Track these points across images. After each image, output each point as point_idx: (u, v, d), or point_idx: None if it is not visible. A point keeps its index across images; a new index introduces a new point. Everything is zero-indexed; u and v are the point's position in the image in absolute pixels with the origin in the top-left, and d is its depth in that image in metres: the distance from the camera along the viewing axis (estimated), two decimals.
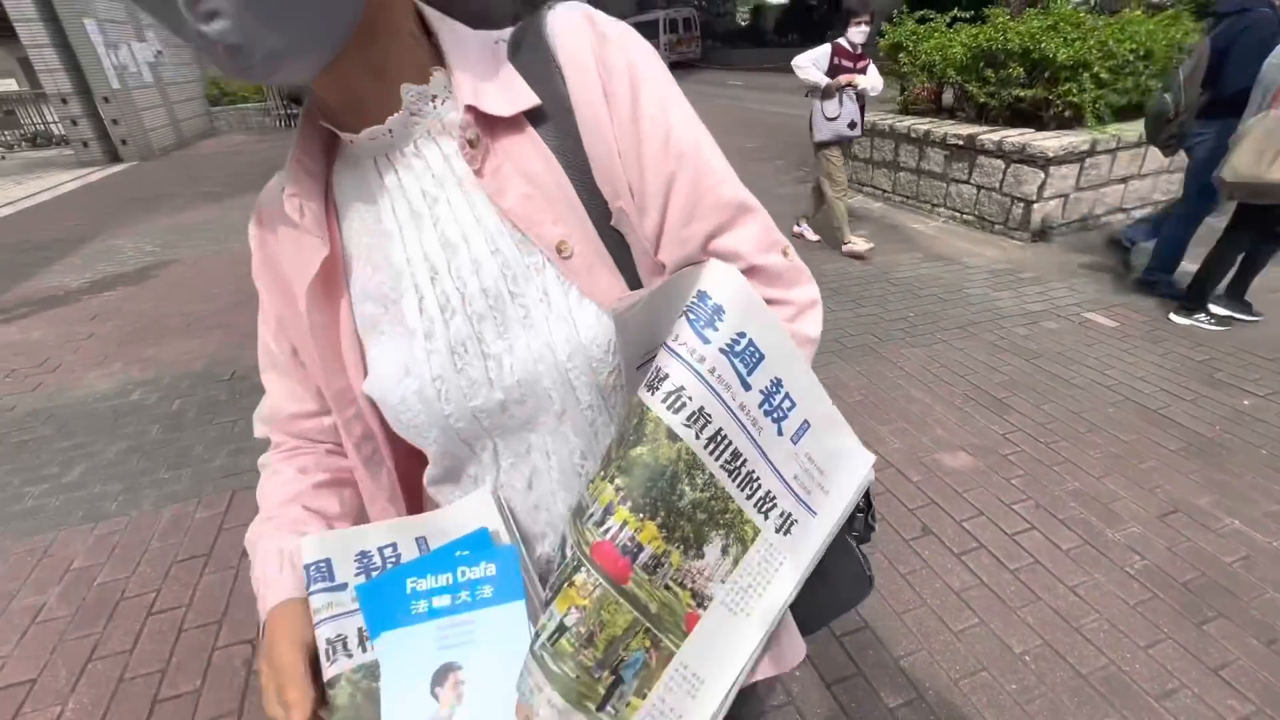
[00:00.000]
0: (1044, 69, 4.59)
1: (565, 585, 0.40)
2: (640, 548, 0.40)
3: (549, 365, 0.48)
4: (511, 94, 0.46)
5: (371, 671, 0.47)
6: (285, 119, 13.05)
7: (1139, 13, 4.85)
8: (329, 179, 0.54)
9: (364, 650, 0.48)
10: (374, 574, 0.51)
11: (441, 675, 0.44)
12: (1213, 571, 1.82)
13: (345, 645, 0.48)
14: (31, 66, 9.23)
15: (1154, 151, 4.64)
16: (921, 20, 5.74)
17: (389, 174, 0.50)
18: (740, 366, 0.42)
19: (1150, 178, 4.79)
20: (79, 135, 9.49)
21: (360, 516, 0.62)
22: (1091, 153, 4.40)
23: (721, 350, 0.41)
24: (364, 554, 0.51)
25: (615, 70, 0.46)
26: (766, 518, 0.45)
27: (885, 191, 5.73)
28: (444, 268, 0.49)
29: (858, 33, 3.93)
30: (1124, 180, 4.69)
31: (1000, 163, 4.60)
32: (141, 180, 8.41)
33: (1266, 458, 2.26)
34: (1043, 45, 4.50)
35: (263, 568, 0.56)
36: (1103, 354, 3.02)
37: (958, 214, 5.06)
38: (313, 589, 0.50)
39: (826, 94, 3.96)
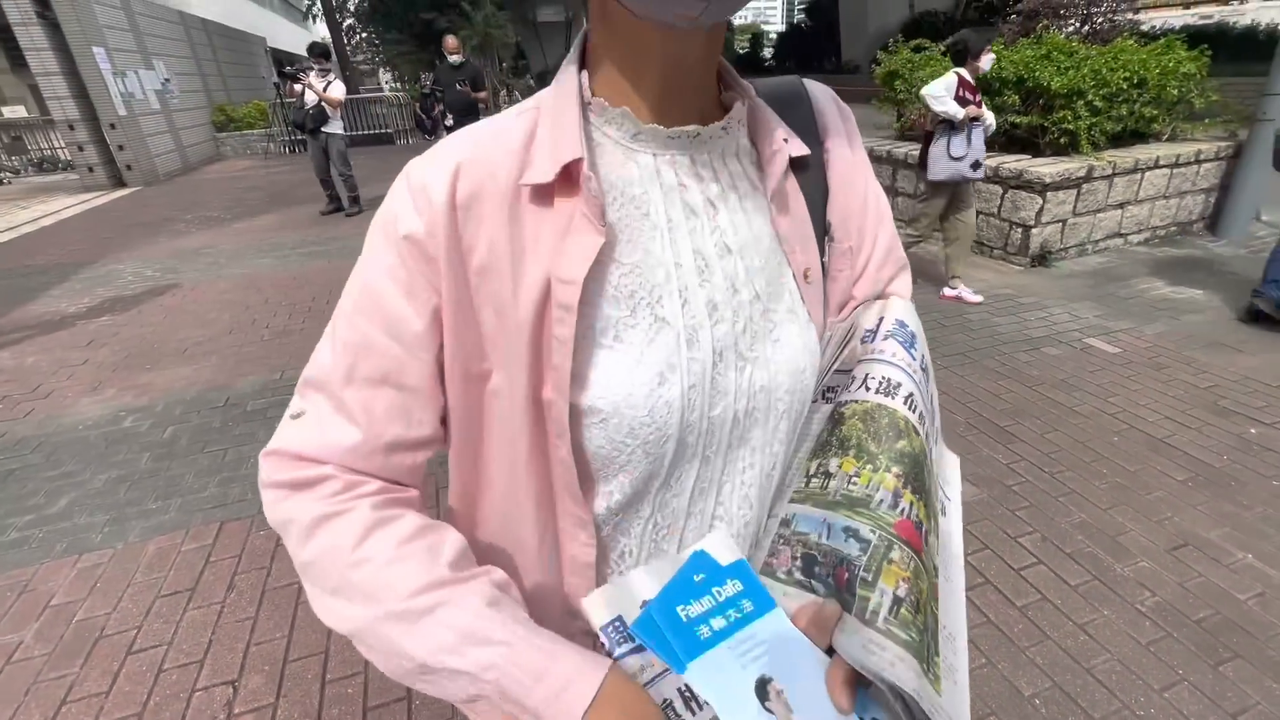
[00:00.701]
0: (1039, 96, 4.64)
1: (885, 564, 0.44)
2: (922, 523, 0.47)
3: (788, 377, 0.52)
4: (795, 141, 0.53)
5: None
6: (290, 145, 13.21)
7: (1131, 42, 4.91)
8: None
9: (692, 712, 0.43)
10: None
11: (762, 690, 0.42)
12: (1227, 609, 1.76)
13: (675, 710, 0.43)
14: (40, 94, 9.38)
15: (1150, 176, 4.68)
16: (917, 49, 5.83)
17: (667, 172, 0.50)
18: (929, 379, 0.55)
19: (1147, 203, 4.80)
20: (85, 160, 9.59)
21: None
22: (1088, 178, 4.42)
23: (922, 368, 0.54)
24: (645, 603, 0.47)
25: (855, 141, 0.59)
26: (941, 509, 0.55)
27: None
28: (718, 270, 0.50)
29: (989, 60, 3.63)
30: (1121, 205, 4.71)
31: (998, 188, 4.63)
32: (145, 205, 8.47)
33: (1277, 489, 2.22)
34: (1037, 74, 4.56)
35: (529, 646, 0.43)
36: (1105, 380, 2.99)
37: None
38: (618, 653, 0.44)
39: (956, 128, 3.52)
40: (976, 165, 3.58)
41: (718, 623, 0.43)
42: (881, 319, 0.55)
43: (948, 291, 4.05)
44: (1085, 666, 1.62)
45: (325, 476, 0.47)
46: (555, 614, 0.54)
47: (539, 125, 0.48)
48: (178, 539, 2.20)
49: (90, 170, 9.66)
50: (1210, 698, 1.52)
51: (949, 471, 0.57)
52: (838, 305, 0.58)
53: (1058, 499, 2.22)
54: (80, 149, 9.49)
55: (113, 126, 9.52)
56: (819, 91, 0.59)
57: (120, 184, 9.87)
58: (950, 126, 3.52)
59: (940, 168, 3.61)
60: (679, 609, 0.44)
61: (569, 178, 0.45)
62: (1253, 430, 2.55)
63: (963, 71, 3.55)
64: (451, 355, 0.48)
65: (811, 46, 29.68)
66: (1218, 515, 2.11)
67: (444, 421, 0.52)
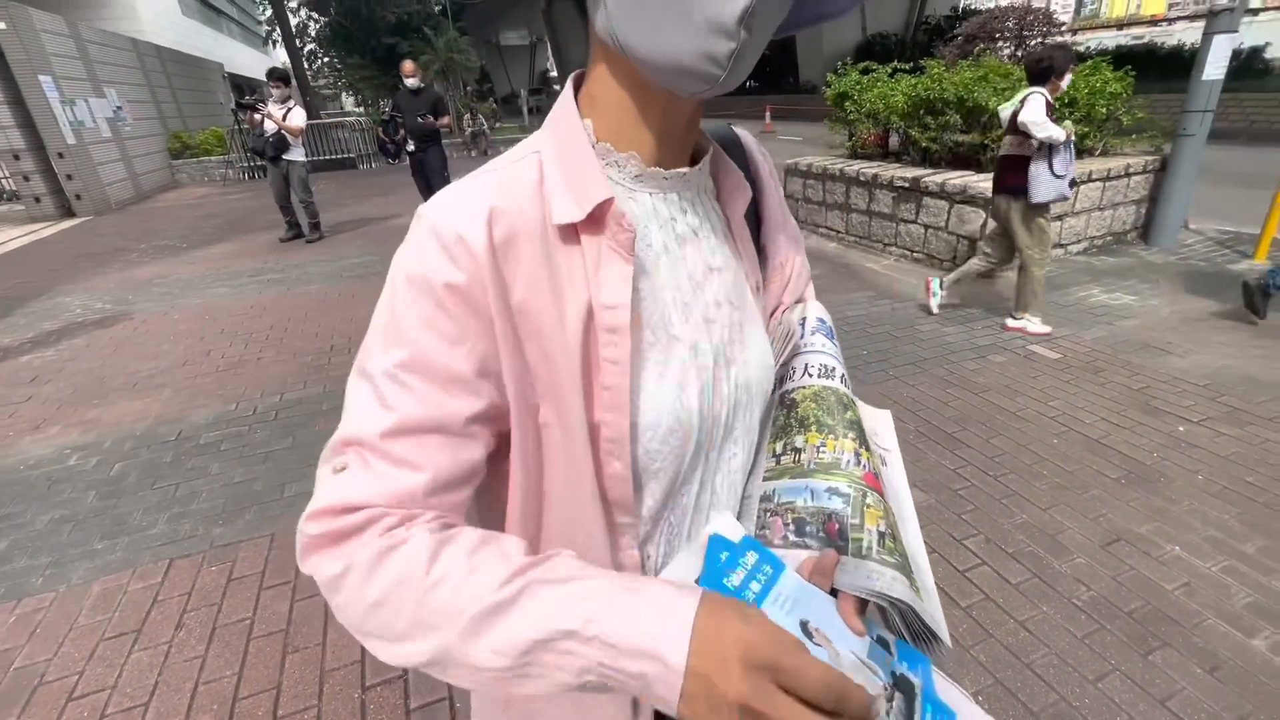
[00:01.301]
0: (979, 116, 4.87)
1: (864, 509, 0.53)
2: (878, 472, 0.58)
3: (760, 372, 0.61)
4: (742, 179, 0.62)
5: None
6: (249, 170, 13.02)
7: None
8: None
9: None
10: None
11: (805, 630, 0.47)
12: (1156, 600, 1.85)
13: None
14: None
15: (1085, 189, 4.92)
16: (865, 71, 6.07)
17: (662, 208, 0.57)
18: (842, 357, 0.68)
19: (1084, 214, 5.05)
20: (31, 191, 9.30)
21: None
22: None
23: (837, 350, 0.67)
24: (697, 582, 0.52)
25: (776, 179, 0.71)
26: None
27: (839, 232, 5.93)
28: (707, 288, 0.58)
29: (1068, 80, 3.50)
30: (1060, 217, 4.93)
31: (944, 203, 4.82)
32: (95, 235, 8.24)
33: (1202, 483, 2.34)
34: (975, 94, 4.79)
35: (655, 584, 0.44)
36: (1047, 385, 3.12)
37: (908, 252, 5.25)
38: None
39: (1055, 147, 3.37)
40: (1073, 182, 3.48)
41: (754, 586, 0.49)
42: (805, 318, 0.68)
43: (1011, 323, 3.82)
44: (1025, 662, 1.68)
45: (378, 515, 0.46)
46: None
47: (545, 168, 0.52)
48: (124, 579, 2.14)
49: (37, 200, 9.37)
50: (1140, 685, 1.60)
51: (881, 427, 0.67)
52: (769, 310, 0.69)
53: (1001, 501, 2.31)
54: (26, 179, 9.21)
55: (61, 155, 9.27)
56: (747, 138, 0.70)
57: (69, 214, 9.59)
58: (1049, 146, 3.37)
59: (1047, 189, 3.41)
60: (724, 580, 0.49)
61: (594, 216, 0.50)
62: (1181, 428, 2.70)
63: (1044, 91, 3.39)
64: (515, 393, 0.50)
65: (771, 68, 30.55)
66: (1149, 510, 2.22)
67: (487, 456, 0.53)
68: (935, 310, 4.07)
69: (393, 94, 6.45)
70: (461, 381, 0.48)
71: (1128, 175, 5.10)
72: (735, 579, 0.49)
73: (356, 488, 0.47)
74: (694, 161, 0.60)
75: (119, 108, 11.06)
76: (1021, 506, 2.27)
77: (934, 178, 4.83)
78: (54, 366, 4.00)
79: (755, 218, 0.68)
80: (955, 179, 4.72)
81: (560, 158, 0.52)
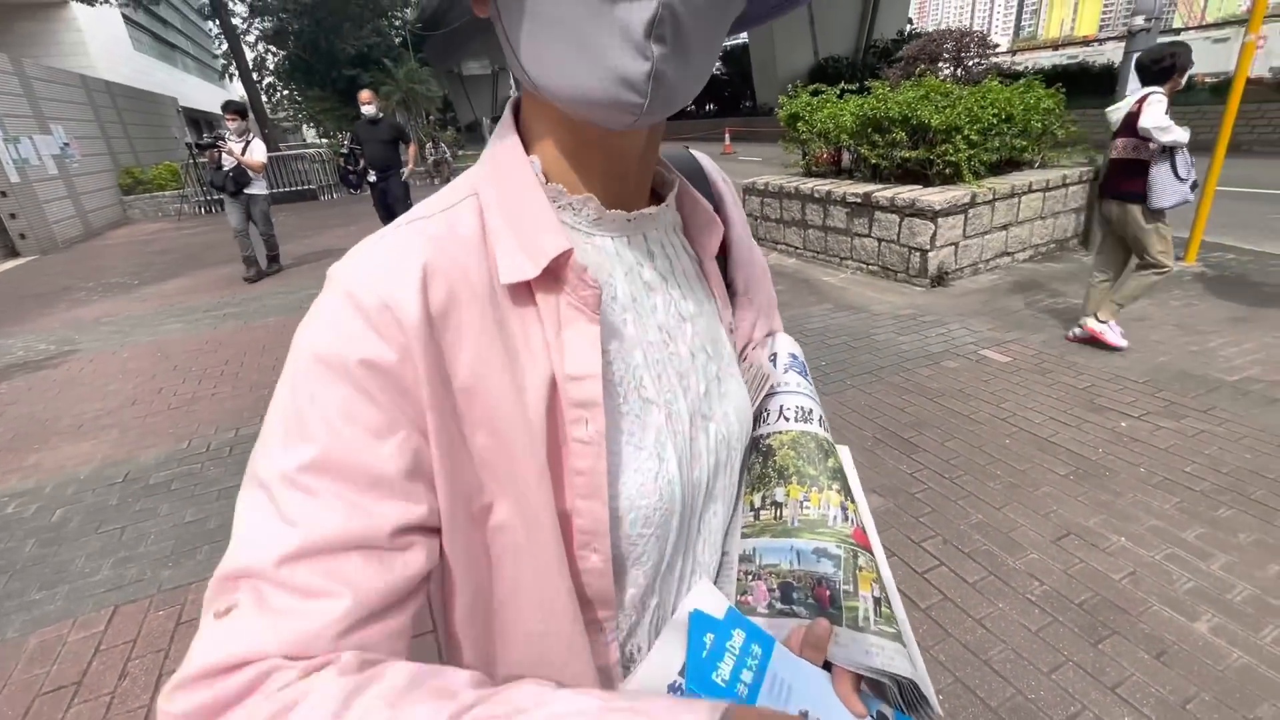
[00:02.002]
0: (923, 133, 5.07)
1: (856, 573, 0.49)
2: (864, 526, 0.53)
3: (739, 424, 0.55)
4: (715, 214, 0.58)
5: None
6: (205, 205, 12.77)
7: (996, 83, 5.46)
8: None
9: None
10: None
11: None
12: (1105, 590, 1.91)
13: None
14: None
15: (1027, 200, 5.15)
16: (814, 93, 6.28)
17: (626, 253, 0.50)
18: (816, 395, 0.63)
19: (1027, 224, 5.27)
20: None
21: None
22: (973, 204, 4.83)
23: (813, 388, 0.62)
24: (676, 684, 0.46)
25: (739, 205, 0.66)
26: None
27: (797, 248, 6.07)
28: (680, 340, 0.52)
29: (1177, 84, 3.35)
30: (1005, 227, 5.14)
31: (895, 217, 4.98)
32: (41, 274, 7.96)
33: (1144, 475, 2.44)
34: (919, 112, 4.99)
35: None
36: (998, 388, 3.22)
37: (864, 265, 5.40)
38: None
39: (1176, 151, 3.24)
40: (1194, 185, 3.31)
41: (746, 675, 0.44)
42: (775, 354, 0.63)
43: (1093, 326, 3.55)
44: (983, 659, 1.71)
45: (269, 671, 0.34)
46: None
47: (486, 214, 0.44)
48: (63, 629, 2.04)
49: None
50: (1092, 674, 1.64)
51: (845, 464, 0.65)
52: (741, 347, 0.63)
53: (957, 502, 2.36)
54: None
55: (4, 194, 8.97)
56: (708, 163, 0.64)
57: (13, 254, 9.26)
58: (1171, 149, 3.22)
59: (1170, 193, 3.22)
60: (713, 676, 0.43)
61: (550, 270, 0.42)
62: (1123, 424, 2.80)
63: (1163, 91, 3.24)
64: (450, 499, 0.41)
65: (730, 91, 31.36)
66: (1095, 504, 2.29)
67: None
68: (1126, 343, 3.54)
69: (353, 125, 6.35)
70: (389, 483, 0.38)
71: (1065, 185, 5.35)
72: (724, 670, 0.44)
73: (243, 637, 0.35)
74: (659, 197, 0.55)
75: (66, 144, 10.78)
76: (977, 506, 2.33)
77: (884, 193, 5.00)
78: None
79: (722, 249, 0.62)
80: (905, 193, 4.88)
81: (504, 202, 0.44)
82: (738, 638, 0.45)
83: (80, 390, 4.07)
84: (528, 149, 0.47)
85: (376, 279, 0.39)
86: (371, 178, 6.45)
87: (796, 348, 0.64)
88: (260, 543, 0.37)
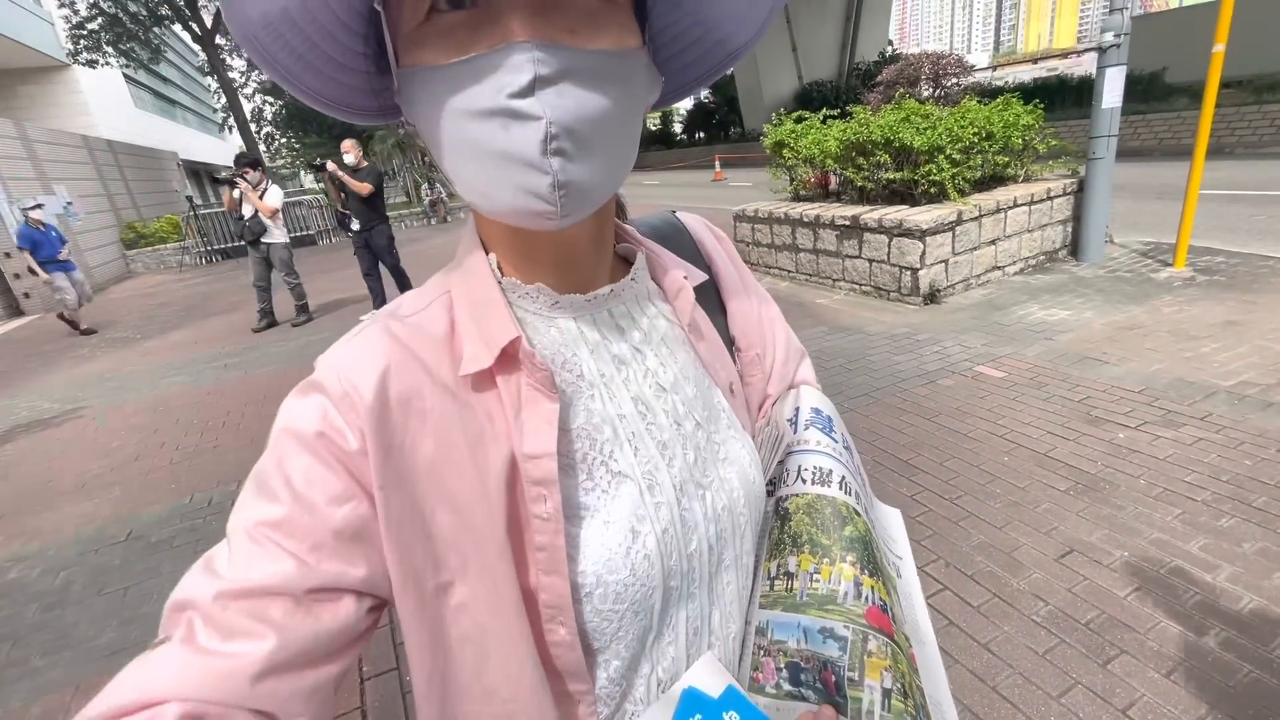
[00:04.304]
0: (907, 154, 5.17)
1: (865, 658, 0.45)
2: (886, 604, 0.48)
3: (744, 490, 0.54)
4: (694, 271, 0.58)
5: None
6: (206, 255, 12.97)
7: (975, 102, 5.58)
8: None
9: None
10: None
11: None
12: (1110, 607, 1.89)
13: None
14: None
15: (1013, 214, 5.21)
16: (798, 120, 6.42)
17: (590, 332, 0.51)
18: (854, 454, 0.59)
19: (1015, 237, 5.33)
20: None
21: None
22: (959, 221, 4.89)
23: (845, 446, 0.58)
24: None
25: (735, 257, 0.66)
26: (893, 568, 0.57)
27: (790, 272, 6.13)
28: (659, 410, 0.51)
29: None
30: (993, 242, 5.20)
31: (884, 238, 5.04)
32: (45, 333, 8.07)
33: (1145, 487, 2.43)
34: (900, 135, 5.09)
35: None
36: (994, 404, 3.23)
37: (856, 286, 5.45)
38: None
39: None
40: None
41: None
42: (798, 409, 0.59)
43: None
44: (990, 685, 1.69)
45: (158, 717, 0.35)
46: None
47: (456, 310, 0.48)
48: (67, 696, 2.03)
49: None
50: (1102, 696, 1.62)
51: (894, 529, 0.60)
52: (756, 406, 0.62)
53: (959, 524, 2.35)
54: None
55: (8, 255, 9.14)
56: (692, 221, 0.65)
57: (18, 313, 9.41)
58: None
59: None
60: None
61: (506, 355, 0.45)
62: (1121, 435, 2.81)
63: None
64: (400, 571, 0.43)
65: (717, 119, 31.96)
66: (1097, 519, 2.29)
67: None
68: None
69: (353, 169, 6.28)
70: (333, 544, 0.41)
71: (1050, 198, 5.42)
72: None
73: (155, 676, 0.36)
74: (622, 272, 0.55)
75: (69, 203, 11.02)
76: (978, 527, 2.32)
77: (872, 214, 5.07)
78: None
79: (721, 307, 0.62)
80: (892, 214, 4.95)
81: (469, 297, 0.48)
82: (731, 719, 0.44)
83: (84, 448, 4.09)
84: (487, 247, 0.51)
85: (342, 368, 0.44)
86: (355, 226, 6.39)
87: (822, 401, 0.61)
88: (204, 578, 0.41)
